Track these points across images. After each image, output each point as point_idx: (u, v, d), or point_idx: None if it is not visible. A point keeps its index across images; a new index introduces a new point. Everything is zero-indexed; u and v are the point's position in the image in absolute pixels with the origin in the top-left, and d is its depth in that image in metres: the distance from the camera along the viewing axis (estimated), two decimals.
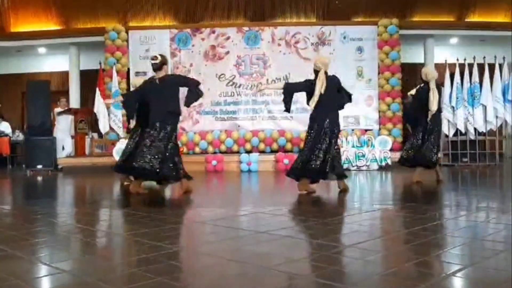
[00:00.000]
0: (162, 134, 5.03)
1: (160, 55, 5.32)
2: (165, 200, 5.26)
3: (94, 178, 8.07)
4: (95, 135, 10.91)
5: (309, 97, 5.04)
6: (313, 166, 4.90)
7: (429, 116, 5.96)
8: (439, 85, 6.38)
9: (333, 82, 5.04)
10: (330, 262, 2.20)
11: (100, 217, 4.08)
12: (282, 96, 5.12)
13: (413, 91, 6.26)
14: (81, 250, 2.69)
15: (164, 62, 5.26)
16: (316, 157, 4.90)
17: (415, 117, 6.23)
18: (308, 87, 5.06)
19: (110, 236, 3.13)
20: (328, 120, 4.97)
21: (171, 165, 5.06)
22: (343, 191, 5.05)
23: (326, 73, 5.01)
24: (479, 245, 2.59)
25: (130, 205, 4.61)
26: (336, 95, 5.05)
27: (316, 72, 5.07)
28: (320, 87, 4.91)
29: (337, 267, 2.16)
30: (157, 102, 5.13)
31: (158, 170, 4.95)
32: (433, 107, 5.89)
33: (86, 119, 10.38)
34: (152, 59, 5.25)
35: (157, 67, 5.22)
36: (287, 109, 5.23)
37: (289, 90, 5.16)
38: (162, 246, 2.52)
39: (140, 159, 4.99)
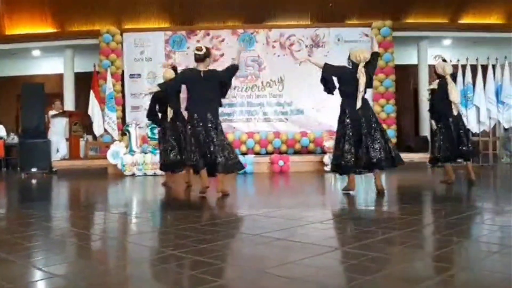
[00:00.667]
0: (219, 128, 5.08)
1: (205, 47, 5.26)
2: (162, 202, 5.27)
3: (89, 180, 8.07)
4: (90, 137, 10.90)
5: (332, 85, 5.09)
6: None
7: (455, 108, 5.89)
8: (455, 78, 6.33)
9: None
10: (325, 266, 2.22)
11: (95, 220, 4.08)
12: (320, 77, 5.12)
13: (434, 85, 6.15)
14: (75, 254, 2.69)
15: (208, 54, 5.17)
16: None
17: (438, 111, 6.12)
18: (344, 74, 5.03)
19: (105, 239, 3.14)
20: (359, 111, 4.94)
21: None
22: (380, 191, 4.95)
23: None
24: (473, 247, 2.61)
25: (125, 207, 4.62)
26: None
27: (355, 64, 5.02)
28: (363, 83, 4.87)
29: (330, 270, 2.18)
30: (204, 95, 5.08)
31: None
32: (457, 99, 5.88)
33: (80, 121, 10.37)
34: (197, 49, 5.16)
35: (200, 58, 5.13)
36: (327, 91, 5.21)
37: (328, 72, 5.11)
38: (155, 250, 2.53)
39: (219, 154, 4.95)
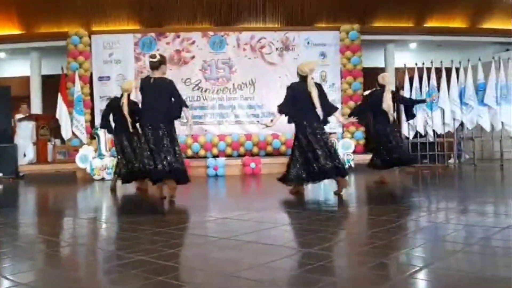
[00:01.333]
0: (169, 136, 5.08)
1: (159, 54, 5.26)
2: (131, 206, 5.24)
3: (57, 185, 7.93)
4: (58, 141, 10.71)
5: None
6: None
7: (391, 117, 6.27)
8: (396, 92, 6.64)
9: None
10: (293, 267, 2.27)
11: (63, 227, 4.04)
12: (283, 116, 5.32)
13: (367, 92, 6.51)
14: (43, 261, 2.67)
15: (162, 61, 5.17)
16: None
17: (367, 116, 6.55)
18: (295, 91, 5.18)
19: (73, 246, 3.12)
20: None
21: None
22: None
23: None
24: (438, 246, 2.71)
25: (93, 212, 4.58)
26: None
27: (303, 77, 5.15)
28: (316, 95, 5.01)
29: (298, 272, 2.24)
30: (154, 103, 5.07)
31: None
32: (389, 108, 6.19)
33: (48, 125, 10.18)
34: (152, 57, 5.16)
35: (154, 66, 5.13)
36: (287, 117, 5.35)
37: (285, 108, 5.27)
38: (124, 256, 2.53)
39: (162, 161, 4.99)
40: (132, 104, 5.98)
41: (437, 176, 7.83)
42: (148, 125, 5.07)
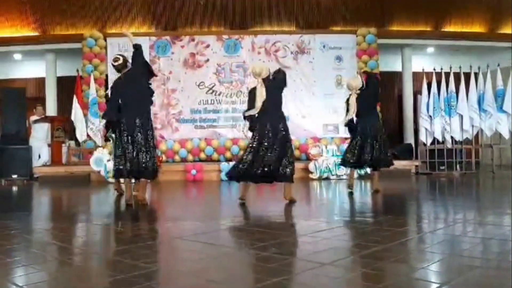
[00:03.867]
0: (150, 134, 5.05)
1: (120, 54, 5.24)
2: (142, 214, 5.19)
3: (71, 188, 7.92)
4: (72, 143, 10.73)
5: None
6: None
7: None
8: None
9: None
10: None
11: (76, 233, 3.99)
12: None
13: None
14: (56, 270, 2.61)
15: (127, 60, 5.17)
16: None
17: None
18: (251, 94, 5.18)
19: (87, 254, 3.06)
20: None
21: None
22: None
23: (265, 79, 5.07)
24: (456, 261, 2.61)
25: (108, 217, 4.54)
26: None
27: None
28: (260, 95, 5.00)
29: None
30: (130, 99, 5.05)
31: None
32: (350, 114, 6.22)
33: (63, 127, 10.20)
34: (114, 60, 5.15)
35: (121, 67, 5.14)
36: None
37: (252, 115, 5.18)
38: (139, 266, 2.47)
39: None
40: None
41: (454, 183, 7.67)
42: (124, 122, 5.05)
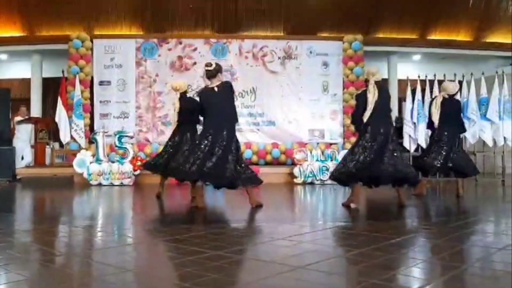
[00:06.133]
0: (233, 145, 5.06)
1: (215, 63, 5.22)
2: (130, 214, 5.15)
3: (54, 190, 7.84)
4: (56, 144, 10.64)
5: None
6: None
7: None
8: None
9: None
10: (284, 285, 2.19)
11: (58, 235, 3.94)
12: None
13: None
14: (37, 273, 2.58)
15: (219, 69, 5.15)
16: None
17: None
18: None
19: (68, 257, 3.03)
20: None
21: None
22: None
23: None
24: (433, 266, 2.63)
25: (90, 220, 4.49)
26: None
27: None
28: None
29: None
30: (220, 110, 5.05)
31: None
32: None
33: (47, 128, 10.11)
34: (207, 65, 5.15)
35: (211, 75, 5.11)
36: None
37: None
38: (120, 267, 2.45)
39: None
40: (189, 102, 6.09)
41: (437, 190, 7.75)
42: (223, 133, 5.01)
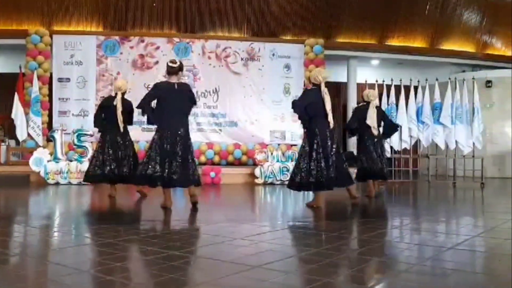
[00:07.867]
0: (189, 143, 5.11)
1: (179, 61, 5.24)
2: (86, 214, 5.11)
3: (9, 189, 7.63)
4: (12, 142, 10.33)
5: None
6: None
7: (374, 132, 6.53)
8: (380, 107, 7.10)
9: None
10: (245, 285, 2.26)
11: (13, 235, 3.88)
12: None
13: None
14: None
15: (181, 68, 5.18)
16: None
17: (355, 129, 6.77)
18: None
19: (23, 257, 3.00)
20: None
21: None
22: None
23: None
24: (386, 265, 2.77)
25: (46, 219, 4.44)
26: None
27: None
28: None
29: None
30: (178, 107, 5.08)
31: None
32: (373, 123, 6.46)
33: (2, 125, 9.82)
34: (172, 62, 5.14)
35: (174, 72, 5.11)
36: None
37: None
38: (76, 268, 2.46)
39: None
40: (125, 103, 6.08)
41: (393, 192, 8.02)
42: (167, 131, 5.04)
